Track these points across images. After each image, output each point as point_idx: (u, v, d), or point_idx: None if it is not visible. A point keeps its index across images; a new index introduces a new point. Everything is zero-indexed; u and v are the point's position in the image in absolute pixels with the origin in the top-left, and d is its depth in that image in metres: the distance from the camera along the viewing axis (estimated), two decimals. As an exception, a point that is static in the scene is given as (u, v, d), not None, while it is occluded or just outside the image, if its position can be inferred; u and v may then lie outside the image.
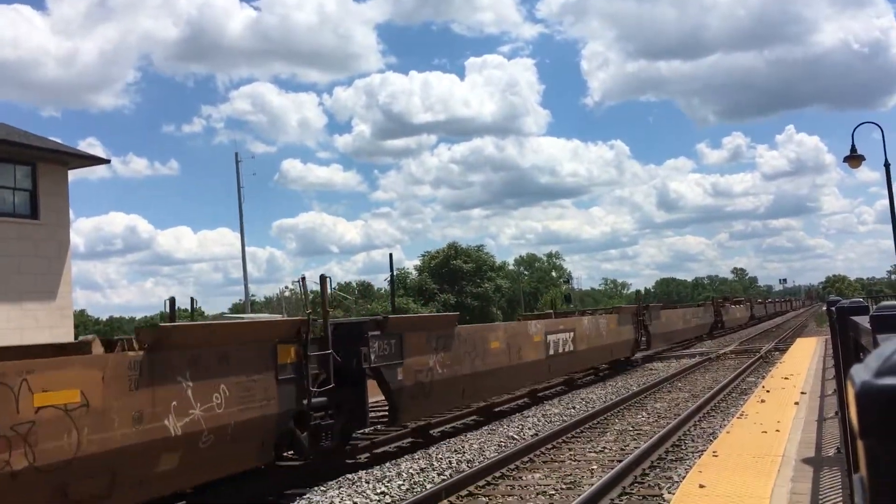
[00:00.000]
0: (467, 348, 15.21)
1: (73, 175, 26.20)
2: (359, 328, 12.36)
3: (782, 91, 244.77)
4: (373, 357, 12.11)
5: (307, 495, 10.13)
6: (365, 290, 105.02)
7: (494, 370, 16.38)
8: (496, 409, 17.89)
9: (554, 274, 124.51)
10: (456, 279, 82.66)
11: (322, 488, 10.53)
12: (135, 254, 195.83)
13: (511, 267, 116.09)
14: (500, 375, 16.76)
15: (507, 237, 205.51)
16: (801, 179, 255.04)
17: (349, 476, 11.15)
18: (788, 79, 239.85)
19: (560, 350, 20.27)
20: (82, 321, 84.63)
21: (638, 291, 73.43)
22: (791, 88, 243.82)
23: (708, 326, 46.29)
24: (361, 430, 13.08)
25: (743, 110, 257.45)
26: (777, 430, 10.11)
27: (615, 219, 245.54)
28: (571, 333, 21.42)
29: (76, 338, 27.07)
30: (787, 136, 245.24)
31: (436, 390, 13.93)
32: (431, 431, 15.37)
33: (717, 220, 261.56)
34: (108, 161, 29.34)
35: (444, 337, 14.38)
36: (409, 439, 14.66)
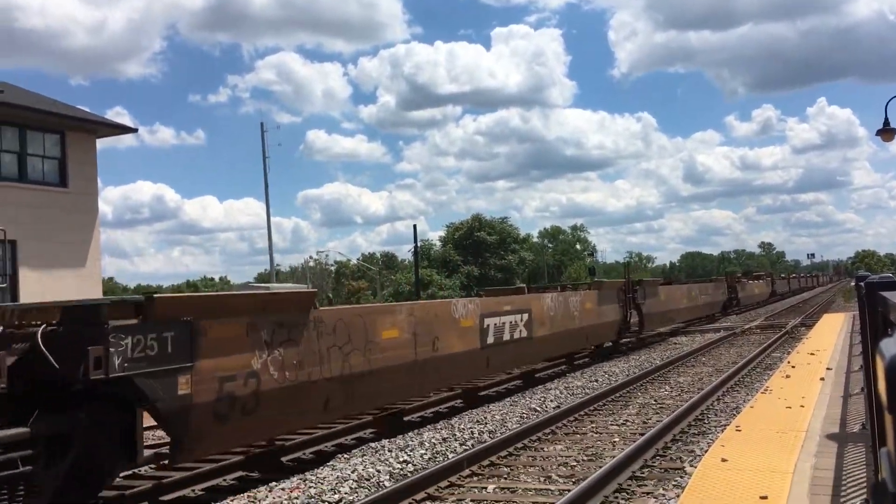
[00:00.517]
0: (337, 340, 10.71)
1: (101, 144, 26.45)
2: (95, 313, 7.65)
3: (814, 62, 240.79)
4: (117, 361, 7.47)
5: (331, 462, 10.27)
6: (389, 261, 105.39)
7: (389, 368, 11.89)
8: (518, 382, 17.94)
9: (578, 247, 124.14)
10: (480, 251, 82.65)
11: (346, 455, 10.66)
12: (162, 222, 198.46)
13: (535, 239, 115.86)
14: (400, 375, 12.25)
15: (532, 209, 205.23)
16: (831, 153, 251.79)
17: (372, 444, 11.27)
18: (821, 50, 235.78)
19: (506, 337, 15.91)
20: (111, 288, 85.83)
21: (626, 264, 71.70)
22: (823, 60, 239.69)
23: (720, 305, 41.74)
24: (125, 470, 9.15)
25: (773, 82, 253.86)
26: (802, 406, 10.06)
27: (641, 192, 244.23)
28: (525, 315, 16.91)
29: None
30: (819, 108, 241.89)
31: (268, 405, 9.34)
32: (453, 403, 15.48)
33: (744, 194, 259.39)
34: (135, 130, 29.68)
35: (285, 325, 9.74)
36: (432, 410, 14.77)
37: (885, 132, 23.92)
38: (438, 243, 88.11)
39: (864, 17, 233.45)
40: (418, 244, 56.59)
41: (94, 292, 25.10)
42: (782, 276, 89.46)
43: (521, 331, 16.62)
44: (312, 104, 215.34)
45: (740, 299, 46.30)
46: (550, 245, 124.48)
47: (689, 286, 36.04)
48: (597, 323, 21.80)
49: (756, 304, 53.05)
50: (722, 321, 38.08)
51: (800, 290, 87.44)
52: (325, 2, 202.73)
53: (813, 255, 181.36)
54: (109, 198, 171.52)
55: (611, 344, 23.92)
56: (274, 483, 9.29)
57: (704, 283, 40.67)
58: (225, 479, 10.22)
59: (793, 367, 14.70)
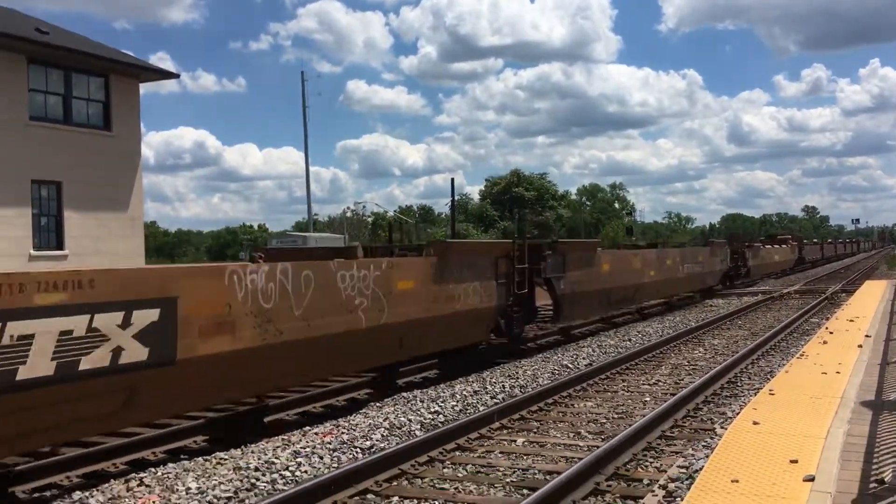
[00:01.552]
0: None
1: (144, 88, 26.65)
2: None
3: (869, 22, 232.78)
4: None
5: (363, 409, 10.44)
6: (426, 214, 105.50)
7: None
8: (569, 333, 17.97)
9: (617, 205, 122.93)
10: (518, 206, 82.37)
11: (378, 405, 10.83)
12: (202, 169, 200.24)
13: (573, 197, 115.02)
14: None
15: (571, 166, 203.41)
16: (882, 116, 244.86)
17: (404, 395, 11.43)
18: (876, 8, 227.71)
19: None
20: (152, 232, 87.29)
21: (520, 226, 54.66)
22: (879, 19, 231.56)
23: (718, 276, 32.19)
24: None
25: (826, 41, 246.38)
26: (837, 372, 9.95)
27: (683, 151, 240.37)
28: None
29: (146, 249, 27.90)
30: (871, 70, 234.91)
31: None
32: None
33: (790, 156, 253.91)
34: (177, 76, 29.84)
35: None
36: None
37: (941, 96, 23.15)
38: (476, 198, 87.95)
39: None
40: (455, 198, 56.52)
41: (136, 235, 25.55)
42: (814, 241, 78.75)
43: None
44: (353, 54, 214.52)
45: (751, 268, 37.98)
46: (588, 203, 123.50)
47: (664, 251, 26.65)
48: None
49: (775, 275, 44.90)
50: (761, 285, 37.28)
51: (836, 258, 77.39)
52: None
53: (858, 220, 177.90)
54: (152, 143, 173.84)
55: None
56: (308, 427, 9.49)
57: (693, 249, 30.50)
58: (264, 420, 10.44)
59: (830, 332, 14.52)
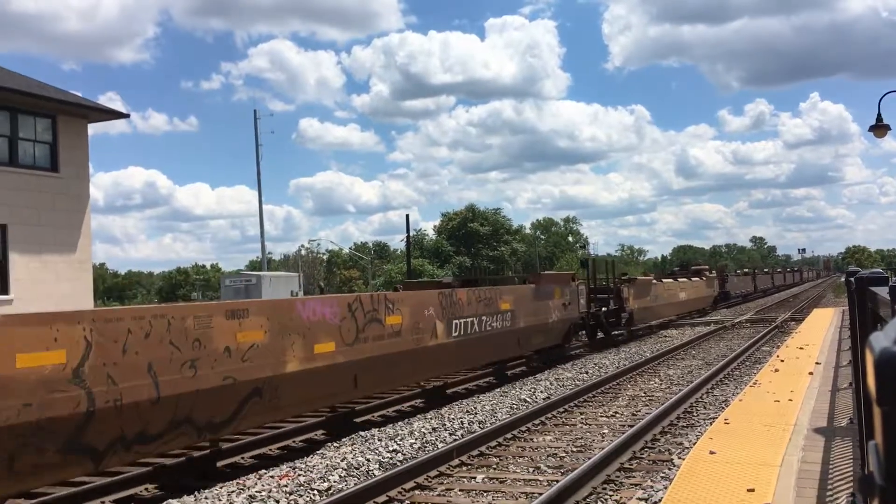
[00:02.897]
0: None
1: (93, 129, 26.30)
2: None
3: (808, 58, 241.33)
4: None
5: (320, 450, 10.27)
6: (381, 250, 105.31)
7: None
8: (508, 373, 18.00)
9: (570, 239, 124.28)
10: (472, 242, 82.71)
11: (335, 444, 10.66)
12: (153, 209, 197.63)
13: (528, 231, 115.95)
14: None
15: (524, 201, 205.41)
16: (823, 148, 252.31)
17: (362, 433, 11.28)
18: (814, 46, 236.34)
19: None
20: (101, 275, 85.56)
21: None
22: (817, 55, 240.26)
23: (558, 332, 19.89)
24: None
25: (767, 77, 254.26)
26: (790, 400, 10.11)
27: (633, 185, 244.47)
28: None
29: (95, 291, 27.34)
30: (811, 103, 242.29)
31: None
32: (448, 391, 15.48)
33: (736, 188, 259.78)
34: (127, 115, 29.37)
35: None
36: (422, 399, 14.78)
37: (878, 128, 23.99)
38: (431, 233, 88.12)
39: (857, 13, 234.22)
40: (411, 234, 56.56)
41: (85, 278, 25.00)
42: (739, 271, 62.18)
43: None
44: (306, 92, 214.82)
45: (633, 313, 25.62)
46: (543, 237, 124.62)
47: (470, 292, 15.43)
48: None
49: (687, 318, 34.33)
50: (712, 315, 37.57)
51: (773, 290, 63.92)
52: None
53: (804, 249, 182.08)
54: (101, 183, 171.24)
55: None
56: (263, 471, 9.30)
57: (491, 290, 16.66)
58: (217, 466, 10.21)
59: (782, 360, 14.76)
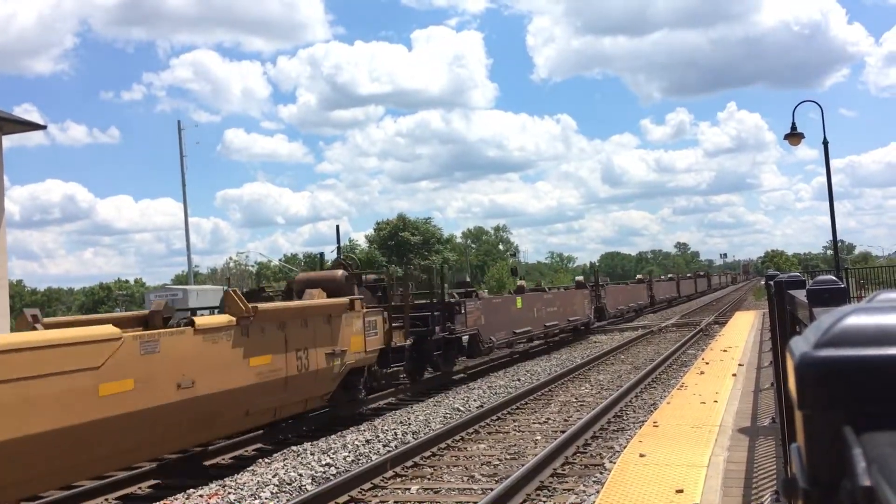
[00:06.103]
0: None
1: (8, 141, 25.28)
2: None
3: (725, 69, 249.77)
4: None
5: (251, 467, 10.07)
6: (312, 261, 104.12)
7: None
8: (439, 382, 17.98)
9: (501, 247, 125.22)
10: (403, 251, 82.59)
11: (267, 460, 10.47)
12: (73, 223, 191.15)
13: (458, 240, 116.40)
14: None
15: (455, 210, 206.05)
16: (741, 156, 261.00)
17: (294, 448, 11.11)
18: (730, 57, 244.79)
19: None
20: (18, 292, 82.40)
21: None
22: (733, 67, 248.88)
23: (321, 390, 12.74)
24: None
25: (687, 87, 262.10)
26: (715, 401, 10.37)
27: (561, 193, 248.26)
28: None
29: (12, 309, 26.27)
30: (729, 113, 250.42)
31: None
32: (378, 404, 15.39)
33: (660, 196, 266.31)
34: (44, 127, 28.36)
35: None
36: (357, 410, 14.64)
37: (792, 136, 24.89)
38: (363, 243, 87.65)
39: (770, 26, 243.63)
40: (341, 245, 56.13)
41: (1, 296, 24.00)
42: (664, 277, 59.16)
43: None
44: (231, 103, 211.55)
45: (478, 336, 19.36)
46: (474, 245, 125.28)
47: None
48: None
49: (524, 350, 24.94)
50: (640, 320, 38.45)
51: (679, 300, 54.92)
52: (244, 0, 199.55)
53: (725, 254, 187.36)
54: (17, 197, 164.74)
55: None
56: (192, 490, 9.06)
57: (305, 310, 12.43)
58: (140, 488, 9.91)
59: (706, 363, 15.15)
